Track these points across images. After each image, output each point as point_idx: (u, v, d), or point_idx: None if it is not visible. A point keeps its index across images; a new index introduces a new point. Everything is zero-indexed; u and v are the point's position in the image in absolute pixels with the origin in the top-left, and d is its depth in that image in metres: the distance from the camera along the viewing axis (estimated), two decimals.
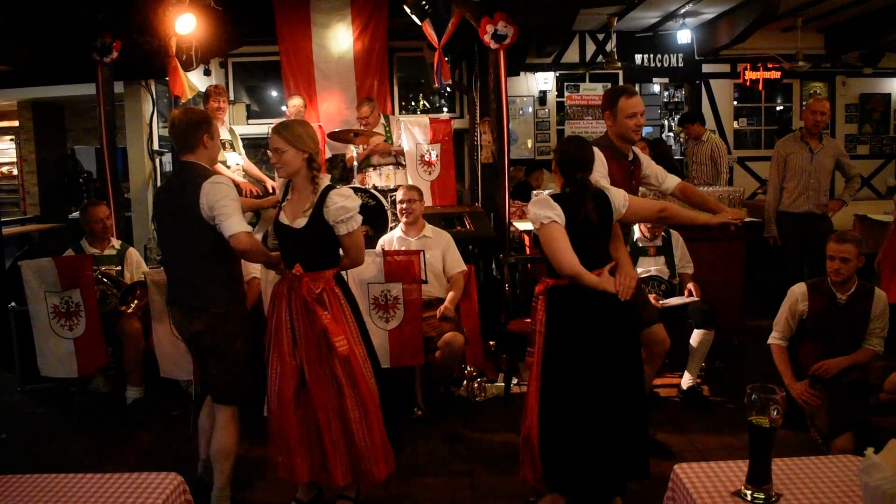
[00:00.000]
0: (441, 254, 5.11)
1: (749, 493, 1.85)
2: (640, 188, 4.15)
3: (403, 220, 5.13)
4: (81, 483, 2.10)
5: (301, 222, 3.25)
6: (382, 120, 7.17)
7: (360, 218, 3.29)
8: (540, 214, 3.16)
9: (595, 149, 3.51)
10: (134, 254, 5.52)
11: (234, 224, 3.16)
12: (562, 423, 3.21)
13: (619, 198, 3.30)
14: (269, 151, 3.47)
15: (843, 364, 4.08)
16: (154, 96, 7.86)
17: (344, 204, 3.22)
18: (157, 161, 8.02)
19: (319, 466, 3.34)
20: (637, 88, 11.23)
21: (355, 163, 6.69)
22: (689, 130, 8.15)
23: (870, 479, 1.59)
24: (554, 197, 3.22)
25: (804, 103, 10.64)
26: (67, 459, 4.29)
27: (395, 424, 3.50)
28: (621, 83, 10.50)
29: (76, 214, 8.66)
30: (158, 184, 7.98)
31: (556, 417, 3.23)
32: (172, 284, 3.48)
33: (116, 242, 5.47)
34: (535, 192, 6.29)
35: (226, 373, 3.40)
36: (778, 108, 11.09)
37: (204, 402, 3.72)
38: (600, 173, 3.64)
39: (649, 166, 4.09)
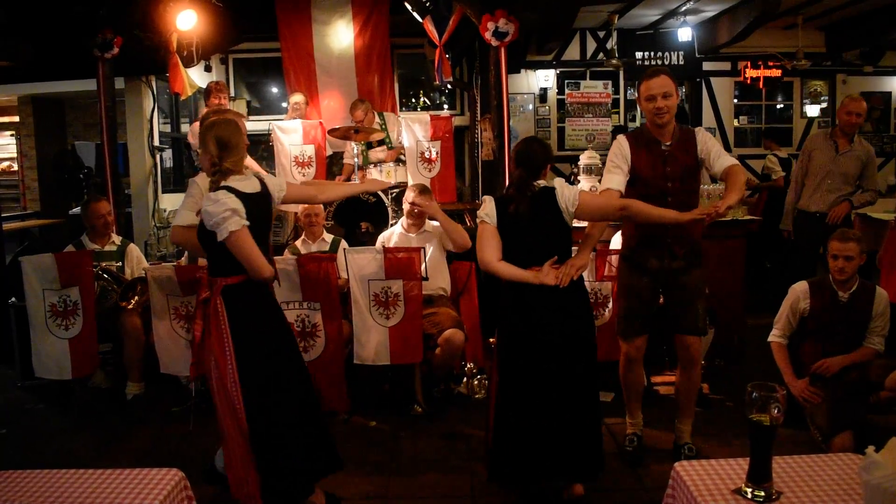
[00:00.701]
0: (440, 245, 5.10)
1: (749, 490, 1.85)
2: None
3: (410, 221, 5.11)
4: (82, 479, 2.10)
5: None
6: (378, 119, 7.17)
7: (236, 221, 2.96)
8: (480, 214, 3.42)
9: (620, 137, 3.79)
10: (134, 250, 5.51)
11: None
12: (508, 413, 3.35)
13: (569, 196, 3.33)
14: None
15: (844, 362, 4.08)
16: (155, 92, 7.85)
17: (207, 209, 2.97)
18: (158, 157, 8.02)
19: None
20: (636, 86, 11.34)
21: (355, 160, 6.69)
22: None
23: (870, 477, 1.59)
24: (500, 197, 3.45)
25: (806, 101, 10.68)
26: (67, 455, 4.28)
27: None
28: (622, 81, 10.52)
29: (76, 210, 8.68)
30: (159, 180, 7.99)
31: (503, 409, 3.38)
32: None
33: (117, 238, 5.47)
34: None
35: None
36: (778, 107, 11.09)
37: None
38: (613, 163, 3.76)
39: (704, 148, 3.73)
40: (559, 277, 3.22)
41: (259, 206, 3.14)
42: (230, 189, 3.01)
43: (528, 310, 3.32)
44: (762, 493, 1.84)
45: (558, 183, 3.42)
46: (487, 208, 3.38)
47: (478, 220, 3.41)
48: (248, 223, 2.97)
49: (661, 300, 3.94)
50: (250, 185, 3.14)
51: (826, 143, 5.78)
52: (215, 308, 3.07)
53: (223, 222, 2.93)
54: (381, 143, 7.16)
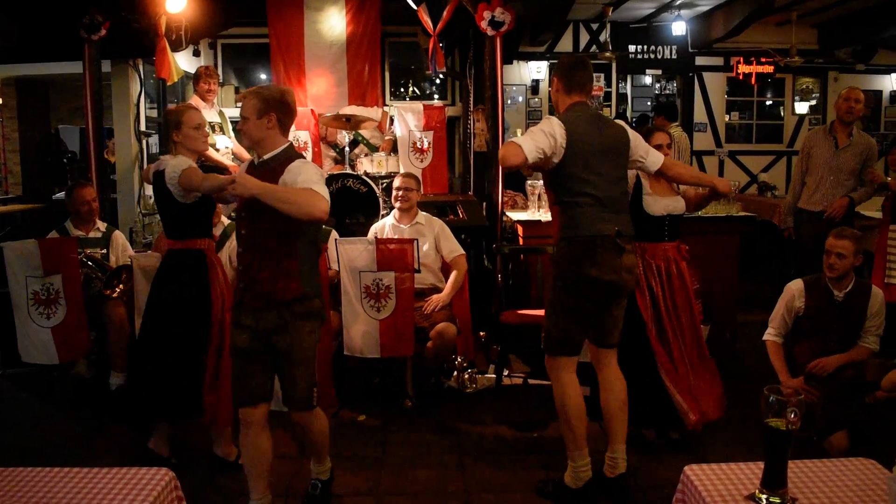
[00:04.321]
0: (433, 241, 5.04)
1: (764, 497, 1.79)
2: None
3: (398, 205, 5.06)
4: (69, 477, 2.02)
5: None
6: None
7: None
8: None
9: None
10: (120, 237, 5.39)
11: None
12: None
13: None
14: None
15: (839, 361, 4.05)
16: (142, 76, 7.71)
17: None
18: (144, 142, 7.88)
19: None
20: (629, 80, 11.32)
21: (346, 148, 6.60)
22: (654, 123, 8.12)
23: None
24: None
25: (796, 97, 10.67)
26: (48, 446, 4.20)
27: None
28: (614, 74, 10.47)
29: (60, 195, 8.52)
30: (145, 165, 7.85)
31: None
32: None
33: (102, 225, 5.34)
34: (528, 182, 6.25)
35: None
36: (768, 103, 11.08)
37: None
38: None
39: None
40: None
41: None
42: None
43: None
44: (777, 500, 1.78)
45: None
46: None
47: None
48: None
49: None
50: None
51: (825, 139, 5.69)
52: None
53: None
54: (355, 143, 7.11)
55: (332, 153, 7.47)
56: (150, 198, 7.67)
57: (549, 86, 5.70)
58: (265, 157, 3.11)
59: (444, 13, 6.36)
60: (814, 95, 10.81)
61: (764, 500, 1.79)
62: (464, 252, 5.14)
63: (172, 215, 3.62)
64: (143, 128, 7.81)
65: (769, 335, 4.29)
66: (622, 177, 3.55)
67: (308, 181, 2.87)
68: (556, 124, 3.35)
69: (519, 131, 10.18)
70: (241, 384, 3.11)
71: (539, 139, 3.30)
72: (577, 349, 3.51)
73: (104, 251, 5.22)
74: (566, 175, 3.40)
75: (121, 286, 4.92)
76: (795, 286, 4.23)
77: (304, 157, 3.17)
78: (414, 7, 6.46)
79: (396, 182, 5.10)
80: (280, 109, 3.07)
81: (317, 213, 2.77)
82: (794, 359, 4.28)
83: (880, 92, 10.77)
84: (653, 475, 3.76)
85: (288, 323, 3.02)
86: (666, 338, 3.96)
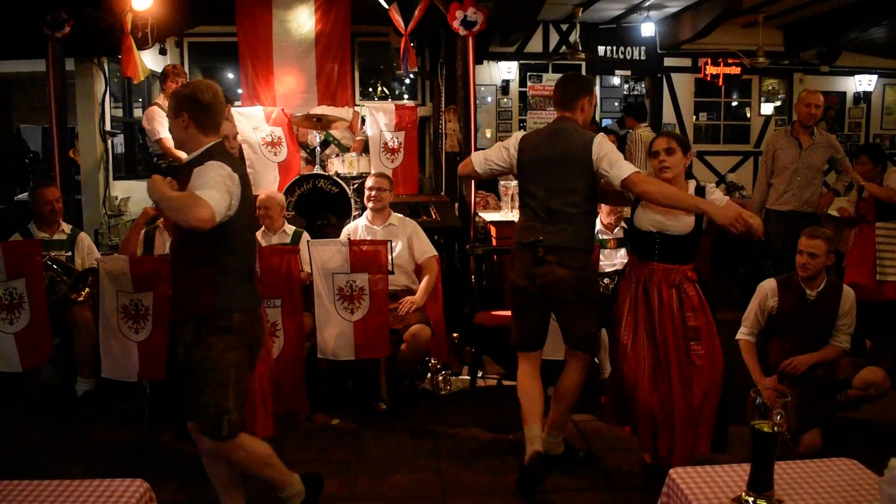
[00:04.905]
0: (407, 242, 5.00)
1: (751, 499, 1.78)
2: None
3: (370, 206, 5.01)
4: (39, 490, 1.94)
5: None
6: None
7: None
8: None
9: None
10: (85, 239, 5.26)
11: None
12: None
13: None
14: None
15: (811, 360, 4.09)
16: (107, 75, 7.57)
17: None
18: (110, 142, 7.73)
19: None
20: (598, 80, 11.37)
21: (317, 148, 6.52)
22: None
23: (893, 491, 1.52)
24: None
25: (762, 98, 10.79)
26: (16, 454, 4.08)
27: None
28: (584, 74, 10.51)
29: (22, 196, 8.33)
30: (110, 166, 7.70)
31: None
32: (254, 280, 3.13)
33: (67, 227, 5.20)
34: (501, 182, 6.24)
35: None
36: (734, 104, 11.21)
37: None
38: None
39: None
40: None
41: None
42: None
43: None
44: (764, 502, 1.77)
45: None
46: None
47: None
48: None
49: None
50: None
51: (788, 140, 5.77)
52: None
53: None
54: (326, 144, 7.04)
55: (303, 153, 7.39)
56: (116, 198, 7.53)
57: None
58: (187, 159, 2.93)
59: (416, 12, 6.32)
60: (779, 97, 10.96)
61: (751, 503, 1.78)
62: (436, 253, 5.10)
63: None
64: (108, 127, 7.65)
65: (742, 334, 4.32)
66: (572, 189, 3.55)
67: (199, 185, 2.64)
68: (514, 138, 3.73)
69: (489, 132, 10.21)
70: (186, 399, 2.94)
71: (493, 153, 3.74)
72: (528, 346, 3.75)
73: (69, 254, 5.09)
74: (519, 185, 3.78)
75: (87, 289, 4.80)
76: (768, 285, 4.27)
77: (227, 157, 2.89)
78: (385, 6, 6.41)
79: (369, 182, 5.06)
80: (192, 108, 2.85)
81: (193, 222, 2.51)
82: (767, 358, 4.32)
83: (844, 93, 10.95)
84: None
85: (200, 338, 2.81)
86: (643, 365, 3.55)
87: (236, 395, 2.85)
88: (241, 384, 2.90)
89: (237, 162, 2.98)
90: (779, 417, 1.75)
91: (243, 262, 2.95)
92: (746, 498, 1.79)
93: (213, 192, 2.61)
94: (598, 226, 5.16)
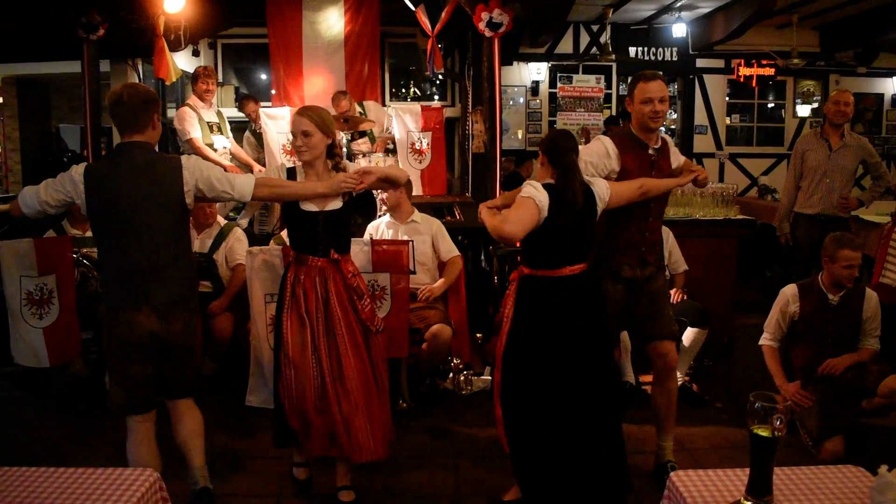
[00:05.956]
0: (430, 239, 5.01)
1: None
2: None
3: (384, 207, 5.09)
4: (54, 477, 2.01)
5: (336, 205, 3.31)
6: (358, 108, 7.10)
7: None
8: (528, 190, 3.16)
9: (603, 138, 3.64)
10: None
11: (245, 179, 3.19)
12: (527, 425, 3.26)
13: (602, 186, 3.32)
14: (291, 133, 3.35)
15: (848, 362, 4.04)
16: (141, 76, 7.73)
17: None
18: None
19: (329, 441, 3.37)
20: (628, 81, 11.29)
21: (344, 150, 6.59)
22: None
23: (883, 498, 1.52)
24: (546, 185, 3.21)
25: (798, 100, 10.65)
26: (43, 446, 4.19)
27: None
28: (614, 76, 10.46)
29: None
30: None
31: (520, 419, 3.28)
32: (133, 281, 3.06)
33: None
34: (527, 181, 6.24)
35: (192, 366, 3.27)
36: (770, 106, 11.07)
37: (133, 430, 3.17)
38: (592, 163, 3.55)
39: (677, 159, 3.84)
40: None
41: None
42: None
43: (565, 312, 3.21)
44: None
45: (590, 178, 3.39)
46: (543, 193, 3.13)
47: (523, 195, 3.15)
48: None
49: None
50: None
51: (818, 142, 5.64)
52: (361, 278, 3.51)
53: None
54: (361, 134, 7.06)
55: None
56: None
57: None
58: None
59: (443, 14, 6.36)
60: (815, 98, 10.78)
61: None
62: (460, 254, 5.12)
63: None
64: None
65: (765, 340, 4.29)
66: None
67: None
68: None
69: (520, 132, 10.20)
70: None
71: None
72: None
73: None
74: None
75: None
76: (790, 291, 4.23)
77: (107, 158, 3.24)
78: (412, 8, 6.45)
79: None
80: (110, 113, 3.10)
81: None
82: (791, 363, 4.28)
83: (882, 95, 10.74)
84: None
85: None
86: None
87: (115, 381, 3.10)
88: (122, 372, 3.08)
89: (104, 163, 3.23)
90: (778, 422, 1.74)
91: (112, 261, 3.11)
92: (745, 502, 1.79)
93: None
94: None
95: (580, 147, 3.36)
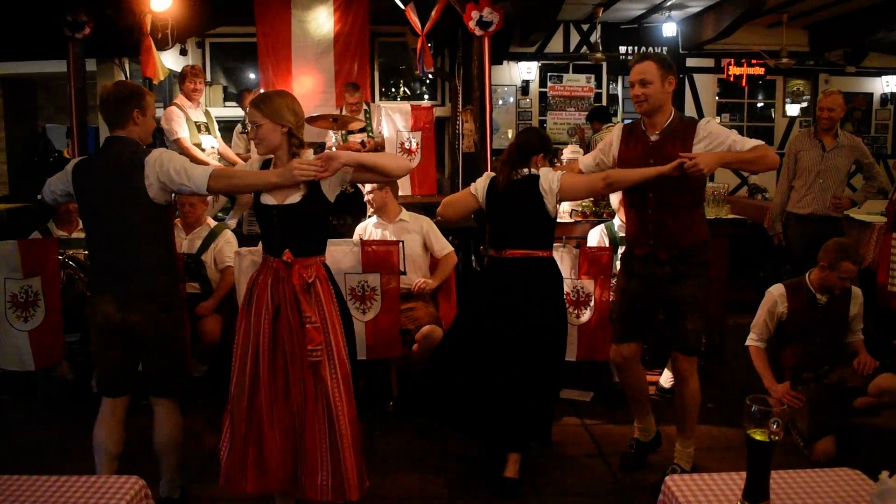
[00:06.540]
0: (420, 238, 4.96)
1: None
2: None
3: (371, 209, 5.04)
4: (37, 486, 1.96)
5: (295, 198, 2.96)
6: (364, 106, 7.05)
7: None
8: (472, 185, 3.79)
9: (617, 126, 3.85)
10: None
11: (202, 171, 3.06)
12: (441, 357, 3.82)
13: (551, 179, 3.54)
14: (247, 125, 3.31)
15: (874, 362, 4.06)
16: (128, 75, 7.67)
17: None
18: None
19: (293, 476, 3.06)
20: (619, 81, 11.30)
21: (333, 148, 6.54)
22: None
23: None
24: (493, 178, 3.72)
25: (787, 100, 10.67)
26: (29, 449, 4.14)
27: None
28: (604, 75, 10.46)
29: None
30: None
31: (437, 355, 3.89)
32: (104, 270, 3.17)
33: None
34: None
35: (171, 364, 3.25)
36: (759, 105, 11.08)
37: (101, 411, 3.24)
38: (598, 147, 3.78)
39: (712, 141, 3.35)
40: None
41: None
42: None
43: (490, 286, 3.70)
44: None
45: (543, 170, 3.57)
46: (480, 183, 3.71)
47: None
48: None
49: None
50: None
51: (811, 142, 5.63)
52: (326, 284, 3.05)
53: None
54: (361, 130, 7.02)
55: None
56: None
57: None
58: None
59: (433, 13, 6.33)
60: (805, 98, 10.81)
61: None
62: (452, 249, 5.08)
63: None
64: None
65: (752, 341, 4.26)
66: None
67: None
68: None
69: (510, 132, 10.18)
70: None
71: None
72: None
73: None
74: None
75: None
76: (777, 291, 4.22)
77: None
78: (402, 7, 6.42)
79: (368, 187, 4.98)
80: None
81: None
82: (780, 363, 4.27)
83: (871, 94, 10.78)
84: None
85: None
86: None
87: (93, 360, 3.30)
88: (97, 354, 3.22)
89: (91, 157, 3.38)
90: (775, 426, 1.72)
91: (89, 247, 3.30)
92: None
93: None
94: (619, 221, 5.02)
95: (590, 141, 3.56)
